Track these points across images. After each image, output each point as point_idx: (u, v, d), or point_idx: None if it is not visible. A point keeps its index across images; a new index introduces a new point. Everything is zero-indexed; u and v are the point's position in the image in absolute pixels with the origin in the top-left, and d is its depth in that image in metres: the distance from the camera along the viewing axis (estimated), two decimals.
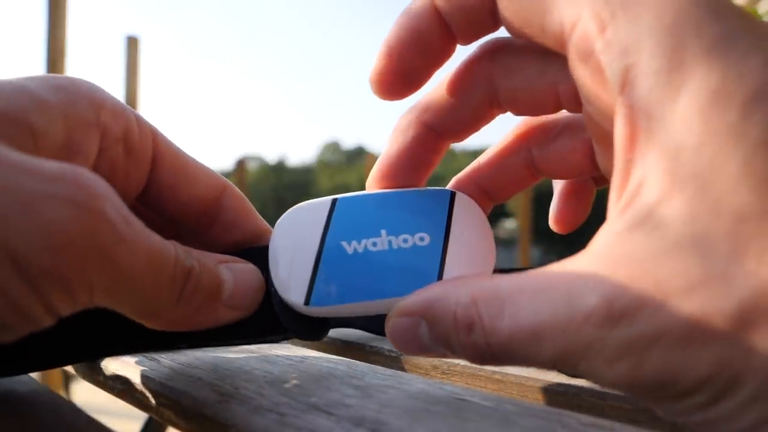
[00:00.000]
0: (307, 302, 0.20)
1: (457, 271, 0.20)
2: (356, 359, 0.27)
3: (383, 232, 0.21)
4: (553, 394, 0.24)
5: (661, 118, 0.14)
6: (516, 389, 0.26)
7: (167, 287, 0.18)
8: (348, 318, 0.31)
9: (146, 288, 0.18)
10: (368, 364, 0.25)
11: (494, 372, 0.26)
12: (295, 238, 0.21)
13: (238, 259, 0.22)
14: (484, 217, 0.22)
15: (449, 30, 0.20)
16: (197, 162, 0.24)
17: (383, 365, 0.27)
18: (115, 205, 0.16)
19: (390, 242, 0.21)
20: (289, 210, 0.22)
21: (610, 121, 0.16)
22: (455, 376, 0.28)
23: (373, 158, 4.53)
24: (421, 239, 0.21)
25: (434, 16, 0.20)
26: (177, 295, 0.19)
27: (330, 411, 0.17)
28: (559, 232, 0.26)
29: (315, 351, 0.29)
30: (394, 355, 0.31)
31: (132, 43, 2.80)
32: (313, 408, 0.18)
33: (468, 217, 0.21)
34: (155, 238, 0.18)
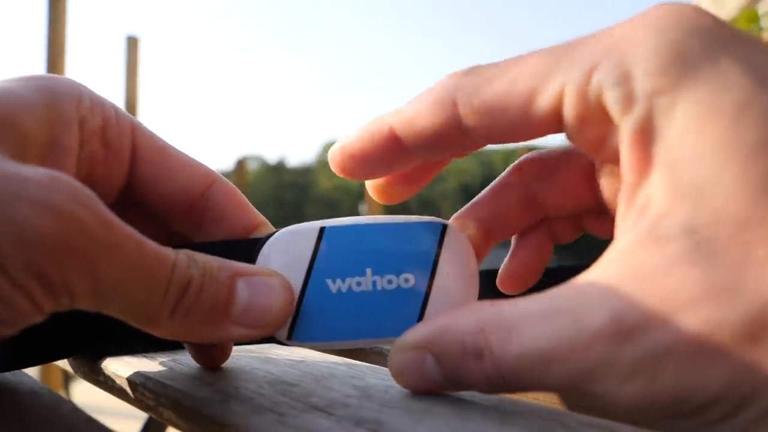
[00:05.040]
0: (289, 337, 0.21)
1: (436, 316, 0.20)
2: (356, 359, 0.27)
3: (368, 271, 0.21)
4: (554, 394, 0.24)
5: (661, 138, 0.15)
6: None
7: (159, 297, 0.17)
8: None
9: (134, 296, 0.17)
10: (368, 364, 0.25)
11: None
12: (279, 269, 0.21)
13: (265, 271, 0.20)
14: (472, 254, 0.22)
15: (409, 153, 0.20)
16: (182, 154, 0.24)
17: (383, 365, 0.27)
18: (94, 210, 0.16)
19: (374, 283, 0.21)
20: (275, 236, 0.22)
21: (616, 156, 0.16)
22: None
23: None
24: (406, 281, 0.21)
25: (392, 140, 0.20)
26: (171, 306, 0.18)
27: (330, 411, 0.17)
28: (506, 292, 0.25)
29: (315, 351, 0.29)
30: None
31: (132, 43, 2.80)
32: (313, 408, 0.18)
33: (456, 255, 0.21)
34: (147, 245, 0.17)
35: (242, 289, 0.19)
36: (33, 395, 0.23)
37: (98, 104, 0.22)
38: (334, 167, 0.22)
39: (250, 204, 0.25)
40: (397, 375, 0.19)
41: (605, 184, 0.21)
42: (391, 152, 0.20)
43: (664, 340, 0.13)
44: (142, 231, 0.18)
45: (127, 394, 0.24)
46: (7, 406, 0.21)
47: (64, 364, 0.30)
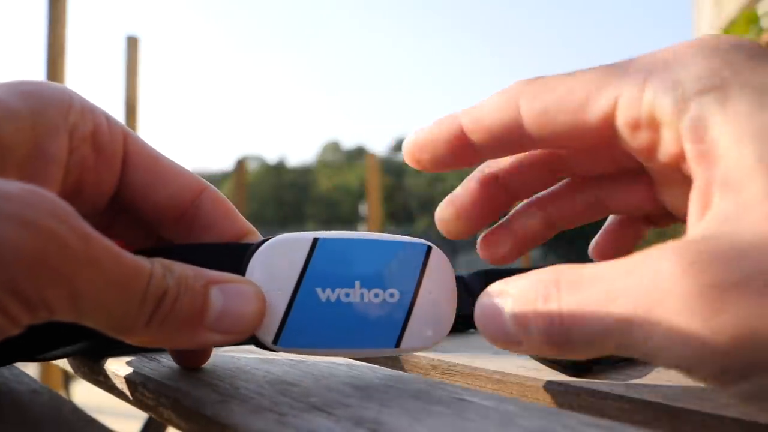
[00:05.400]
0: (275, 342, 0.21)
1: (416, 331, 0.22)
2: (356, 359, 0.27)
3: (357, 283, 0.22)
4: (553, 394, 0.24)
5: (720, 126, 0.16)
6: (516, 389, 0.26)
7: (135, 308, 0.18)
8: None
9: (112, 309, 0.17)
10: (368, 364, 0.25)
11: (494, 372, 0.26)
12: (271, 275, 0.21)
13: (238, 278, 0.21)
14: (452, 275, 0.23)
15: (474, 149, 0.22)
16: (173, 163, 0.24)
17: (383, 365, 0.27)
18: (71, 225, 0.16)
19: (362, 295, 0.22)
20: (268, 242, 0.22)
21: (677, 166, 0.18)
22: (455, 376, 0.28)
23: (373, 158, 4.52)
24: (391, 296, 0.22)
25: (460, 135, 0.22)
26: (147, 316, 0.18)
27: (330, 411, 0.17)
28: (594, 259, 0.28)
29: None
30: (394, 354, 0.31)
31: (132, 43, 2.80)
32: (313, 408, 0.18)
33: (438, 277, 0.22)
34: (124, 257, 0.17)
35: (216, 297, 0.19)
36: (33, 395, 0.23)
37: (89, 111, 0.22)
38: (406, 157, 0.24)
39: (239, 213, 0.25)
40: (480, 315, 0.19)
41: (662, 190, 0.22)
42: (458, 147, 0.23)
43: (735, 274, 0.14)
44: (132, 237, 0.18)
45: (127, 394, 0.24)
46: (7, 406, 0.21)
47: (64, 363, 0.30)
